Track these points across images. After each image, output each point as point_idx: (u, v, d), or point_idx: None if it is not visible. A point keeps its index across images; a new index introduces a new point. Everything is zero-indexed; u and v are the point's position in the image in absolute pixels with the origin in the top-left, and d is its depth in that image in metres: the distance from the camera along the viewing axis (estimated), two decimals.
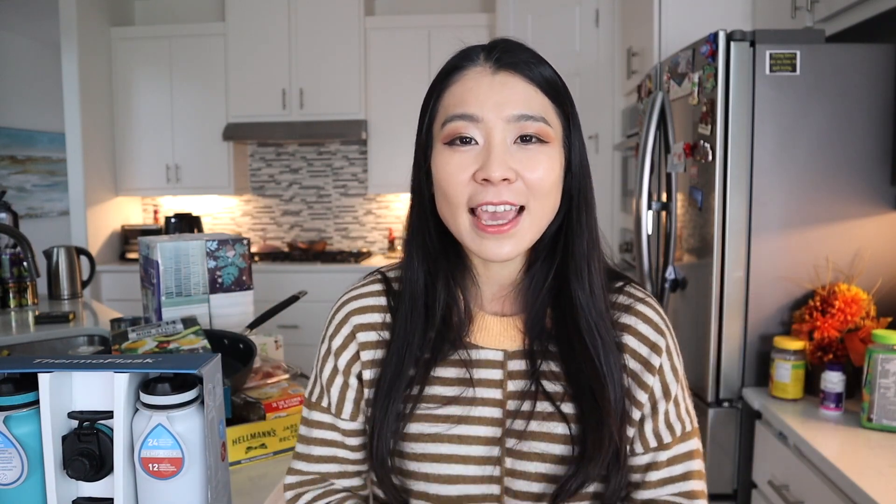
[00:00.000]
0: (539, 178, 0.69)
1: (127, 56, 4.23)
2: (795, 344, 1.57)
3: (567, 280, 0.74)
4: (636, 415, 0.75)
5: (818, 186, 1.66)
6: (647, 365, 0.75)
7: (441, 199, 0.72)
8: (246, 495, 1.04)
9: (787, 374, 1.57)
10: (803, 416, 1.49)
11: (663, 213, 2.06)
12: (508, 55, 0.71)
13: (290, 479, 0.83)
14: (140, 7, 4.50)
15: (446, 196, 0.70)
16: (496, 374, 0.75)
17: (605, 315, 0.74)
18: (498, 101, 0.68)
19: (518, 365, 0.75)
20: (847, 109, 1.64)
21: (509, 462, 0.73)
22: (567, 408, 0.73)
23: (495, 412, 0.74)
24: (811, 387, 1.58)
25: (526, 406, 0.73)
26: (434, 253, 0.76)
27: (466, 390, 0.74)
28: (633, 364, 0.75)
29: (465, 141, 0.69)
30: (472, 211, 0.69)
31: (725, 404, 1.73)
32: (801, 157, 1.66)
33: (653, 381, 0.75)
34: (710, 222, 1.71)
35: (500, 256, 0.70)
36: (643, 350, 0.75)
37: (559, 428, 0.72)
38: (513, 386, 0.74)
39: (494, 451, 0.74)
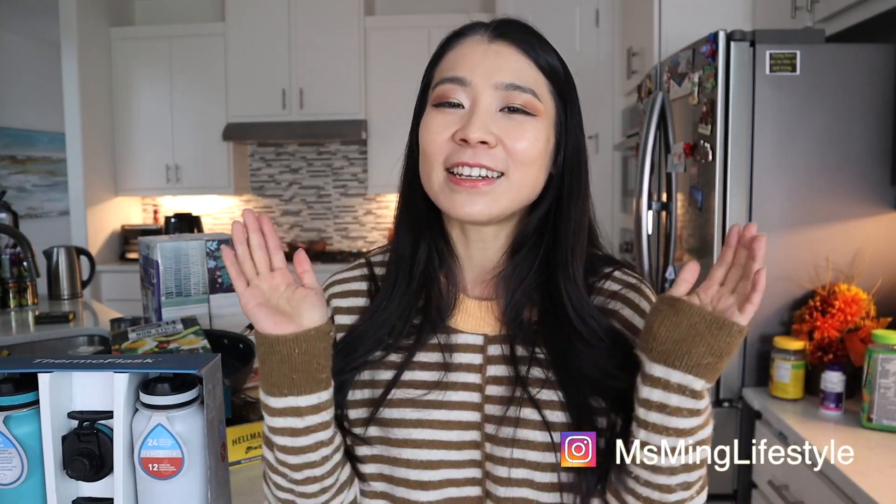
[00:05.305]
0: (522, 147, 0.67)
1: (127, 56, 4.23)
2: (795, 344, 1.57)
3: (554, 270, 0.72)
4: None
5: (818, 186, 1.66)
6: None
7: (421, 158, 0.71)
8: (246, 495, 1.04)
9: (787, 374, 1.57)
10: (803, 417, 1.48)
11: (663, 213, 2.06)
12: (508, 27, 0.71)
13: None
14: (140, 7, 4.50)
15: (425, 153, 0.70)
16: (476, 359, 0.73)
17: (589, 303, 0.71)
18: (489, 67, 0.68)
19: (498, 350, 0.73)
20: (847, 109, 1.64)
21: (489, 447, 0.71)
22: (549, 395, 0.70)
23: (474, 396, 0.72)
24: (811, 387, 1.58)
25: (504, 391, 0.71)
26: (420, 223, 0.75)
27: (444, 374, 0.73)
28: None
29: (453, 105, 0.69)
30: (449, 171, 0.68)
31: (725, 404, 1.73)
32: (801, 157, 1.66)
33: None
34: (710, 222, 1.71)
35: (471, 215, 0.68)
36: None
37: (538, 414, 0.70)
38: (492, 371, 0.72)
39: (475, 435, 0.72)
